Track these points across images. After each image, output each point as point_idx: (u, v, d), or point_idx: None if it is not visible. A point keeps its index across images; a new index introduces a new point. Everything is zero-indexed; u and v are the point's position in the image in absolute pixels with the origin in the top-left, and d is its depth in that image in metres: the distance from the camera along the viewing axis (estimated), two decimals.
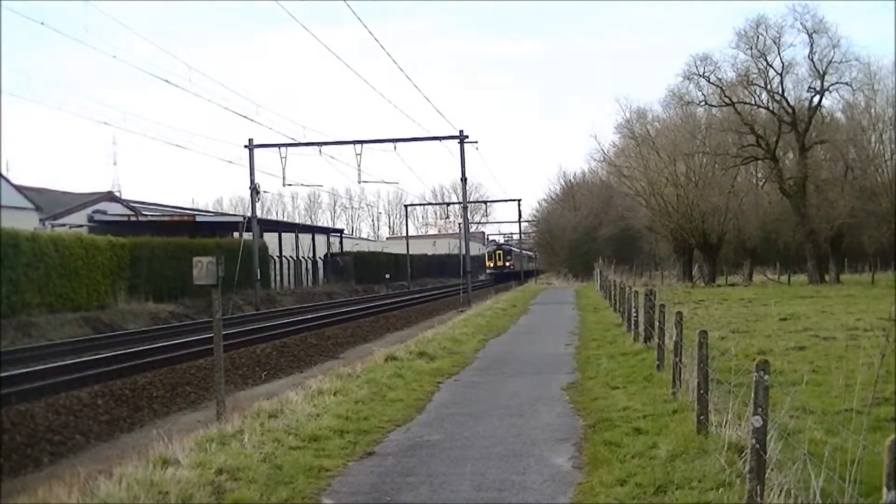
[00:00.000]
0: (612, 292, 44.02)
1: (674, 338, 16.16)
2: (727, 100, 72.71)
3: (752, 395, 8.49)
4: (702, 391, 12.26)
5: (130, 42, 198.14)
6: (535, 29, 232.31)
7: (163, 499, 9.93)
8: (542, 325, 37.92)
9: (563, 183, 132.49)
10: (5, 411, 17.66)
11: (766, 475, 8.56)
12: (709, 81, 74.37)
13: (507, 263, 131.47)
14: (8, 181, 56.20)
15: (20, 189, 56.80)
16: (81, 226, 59.39)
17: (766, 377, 8.44)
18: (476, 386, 20.03)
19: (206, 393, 21.84)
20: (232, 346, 28.03)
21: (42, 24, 48.94)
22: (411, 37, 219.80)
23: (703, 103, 77.30)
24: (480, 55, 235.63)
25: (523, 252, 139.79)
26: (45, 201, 59.40)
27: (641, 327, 24.91)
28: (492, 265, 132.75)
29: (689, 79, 75.64)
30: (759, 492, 8.36)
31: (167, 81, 44.78)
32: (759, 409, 8.38)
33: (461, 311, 49.14)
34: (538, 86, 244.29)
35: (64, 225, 57.31)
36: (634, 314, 27.22)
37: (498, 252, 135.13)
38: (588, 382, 19.48)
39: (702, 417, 12.23)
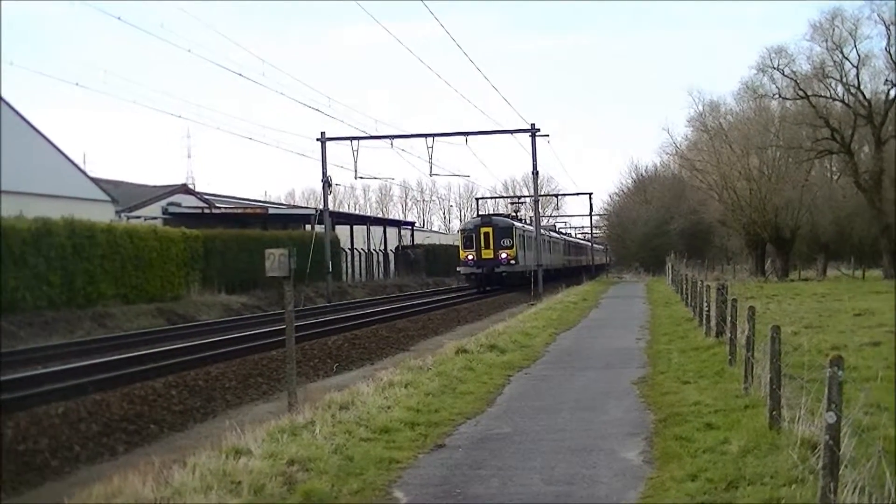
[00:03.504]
0: (684, 286, 43.75)
1: (746, 332, 16.03)
2: (802, 93, 71.92)
3: (826, 390, 8.40)
4: (774, 386, 12.17)
5: (205, 37, 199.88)
6: (608, 22, 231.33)
7: (235, 489, 10.04)
8: (613, 319, 37.78)
9: (635, 176, 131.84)
10: (81, 401, 17.90)
11: (840, 472, 8.47)
12: (783, 74, 73.71)
13: (504, 254, 69.14)
14: (85, 174, 56.88)
15: (97, 181, 57.45)
16: (156, 218, 60.00)
17: (840, 373, 8.35)
18: (546, 379, 20.02)
19: (278, 384, 21.97)
20: (303, 338, 28.17)
21: (119, 18, 49.65)
22: (484, 31, 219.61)
23: (776, 96, 76.61)
24: (552, 48, 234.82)
25: (586, 242, 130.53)
26: (121, 194, 60.04)
27: (713, 322, 24.75)
28: (471, 257, 69.99)
29: (762, 71, 75.09)
30: (832, 489, 8.28)
31: (240, 75, 44.98)
32: (833, 406, 8.29)
33: (532, 305, 49.04)
34: (610, 79, 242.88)
35: (139, 217, 57.93)
36: (706, 309, 27.02)
37: (483, 231, 69.90)
38: (659, 377, 19.38)
39: (774, 413, 12.14)
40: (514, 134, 63.86)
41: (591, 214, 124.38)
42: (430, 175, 66.31)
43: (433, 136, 60.80)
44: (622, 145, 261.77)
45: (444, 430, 14.09)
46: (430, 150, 60.48)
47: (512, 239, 69.70)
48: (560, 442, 13.03)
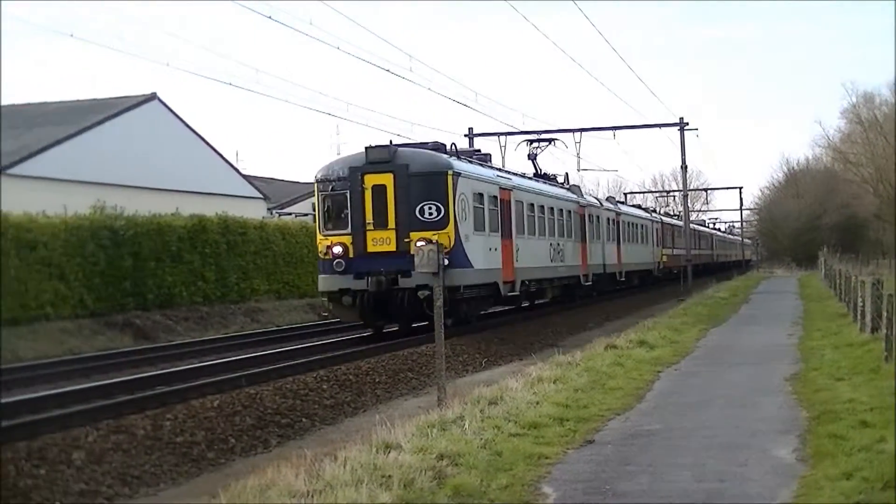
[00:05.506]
0: (837, 282, 42.91)
1: None
2: None
3: None
4: None
5: (353, 33, 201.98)
6: (757, 13, 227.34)
7: (385, 482, 10.15)
8: (764, 315, 37.25)
9: (786, 170, 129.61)
10: (235, 395, 18.26)
11: None
12: None
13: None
14: (238, 171, 58.08)
15: (249, 179, 58.61)
16: (307, 214, 60.78)
17: None
18: (696, 375, 19.86)
19: (427, 379, 22.12)
20: (452, 334, 28.28)
21: (269, 17, 50.38)
22: (629, 23, 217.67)
23: None
24: (699, 40, 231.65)
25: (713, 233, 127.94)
26: (273, 191, 61.18)
27: (868, 318, 24.22)
28: (339, 251, 27.39)
29: None
30: None
31: (388, 71, 45.09)
32: None
33: (681, 300, 48.58)
34: (760, 70, 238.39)
35: (290, 214, 58.91)
36: (860, 304, 26.47)
37: (374, 183, 27.61)
38: (811, 373, 19.06)
39: None
40: (662, 128, 63.22)
41: (741, 209, 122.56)
42: (578, 170, 65.59)
43: (581, 130, 60.26)
44: (773, 138, 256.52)
45: (592, 426, 14.07)
46: (577, 144, 59.92)
47: (443, 204, 27.97)
48: (710, 439, 12.91)
